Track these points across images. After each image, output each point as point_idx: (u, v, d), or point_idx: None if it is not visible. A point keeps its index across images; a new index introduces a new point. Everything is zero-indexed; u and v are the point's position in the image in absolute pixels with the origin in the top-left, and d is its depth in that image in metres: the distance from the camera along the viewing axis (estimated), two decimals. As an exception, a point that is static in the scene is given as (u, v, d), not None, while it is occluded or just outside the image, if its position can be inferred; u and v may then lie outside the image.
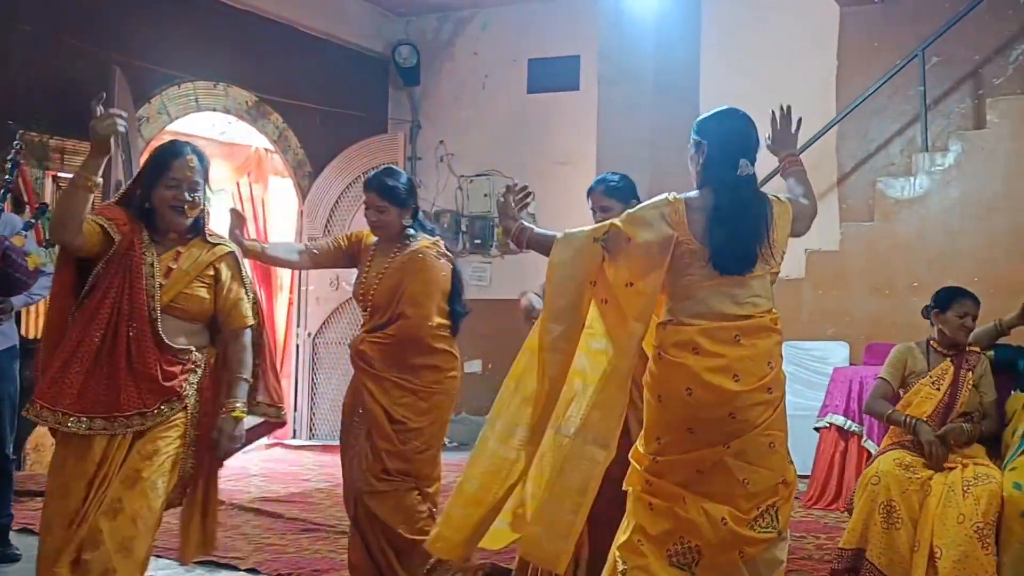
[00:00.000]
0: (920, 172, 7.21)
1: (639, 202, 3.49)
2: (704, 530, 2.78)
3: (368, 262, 3.87)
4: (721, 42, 7.91)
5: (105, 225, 2.97)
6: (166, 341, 2.98)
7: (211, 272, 3.12)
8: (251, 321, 3.19)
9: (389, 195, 3.79)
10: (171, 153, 3.06)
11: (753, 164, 2.97)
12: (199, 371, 3.08)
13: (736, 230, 2.85)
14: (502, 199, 3.06)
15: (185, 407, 3.03)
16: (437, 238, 3.89)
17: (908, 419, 3.99)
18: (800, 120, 3.29)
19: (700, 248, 2.84)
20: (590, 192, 3.84)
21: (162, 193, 3.03)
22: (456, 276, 3.87)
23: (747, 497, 2.81)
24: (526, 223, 3.04)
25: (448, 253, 3.87)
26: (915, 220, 7.20)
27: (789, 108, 3.31)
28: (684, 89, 4.68)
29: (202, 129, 8.21)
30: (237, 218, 3.71)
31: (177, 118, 7.55)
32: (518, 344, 3.49)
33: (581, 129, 8.08)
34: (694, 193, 2.94)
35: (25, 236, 4.25)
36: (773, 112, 3.35)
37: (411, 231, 3.85)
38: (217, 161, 7.53)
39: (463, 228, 9.22)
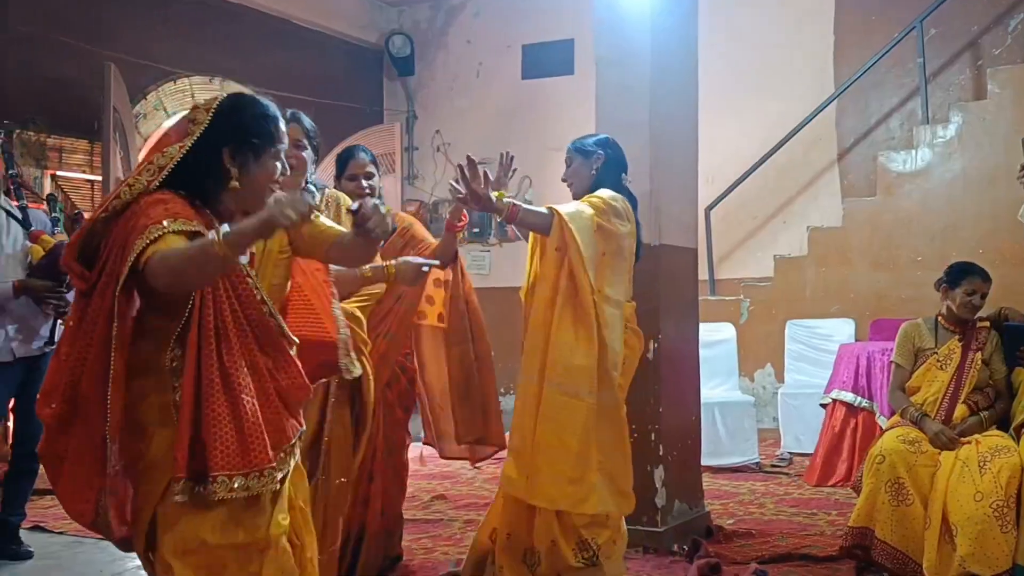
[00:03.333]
0: (921, 145, 7.19)
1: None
2: None
3: None
4: (718, 20, 7.87)
5: (197, 229, 2.15)
6: (291, 337, 2.34)
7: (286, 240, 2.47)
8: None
9: (310, 134, 3.36)
10: (272, 117, 2.31)
11: None
12: None
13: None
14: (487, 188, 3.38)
15: None
16: None
17: (914, 414, 3.95)
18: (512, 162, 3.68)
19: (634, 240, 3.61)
20: (352, 159, 4.00)
21: (269, 167, 2.28)
22: None
23: None
24: (515, 200, 3.45)
25: None
26: (917, 193, 7.18)
27: (509, 155, 3.69)
28: (682, 69, 4.64)
29: (199, 125, 8.17)
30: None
31: (174, 113, 7.53)
32: (518, 331, 3.56)
33: (577, 114, 8.02)
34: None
35: (62, 233, 4.35)
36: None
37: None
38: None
39: (461, 217, 9.19)
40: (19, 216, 4.33)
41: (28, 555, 4.35)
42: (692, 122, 4.74)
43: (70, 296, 4.31)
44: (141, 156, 2.31)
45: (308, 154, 3.37)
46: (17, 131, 6.34)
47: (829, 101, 7.62)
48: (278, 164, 2.29)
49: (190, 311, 2.13)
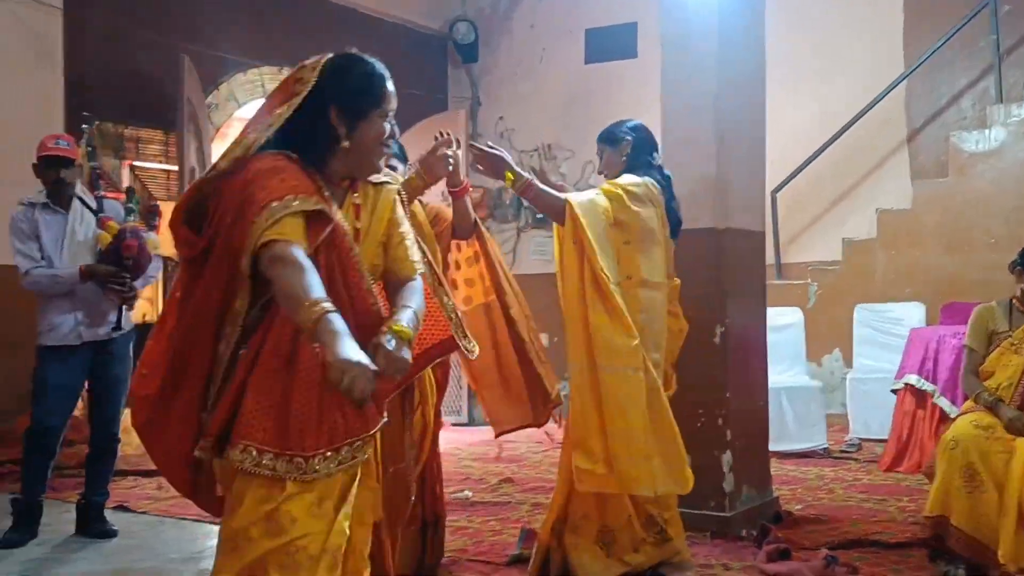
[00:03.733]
0: (995, 124, 7.03)
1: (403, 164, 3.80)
2: None
3: None
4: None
5: (317, 208, 2.05)
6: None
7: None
8: (420, 268, 2.31)
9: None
10: (379, 75, 2.24)
11: None
12: None
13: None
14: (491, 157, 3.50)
15: None
16: None
17: (988, 399, 3.87)
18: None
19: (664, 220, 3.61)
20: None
21: (377, 127, 2.20)
22: None
23: None
24: (530, 176, 3.53)
25: None
26: (991, 174, 7.03)
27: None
28: (749, 48, 4.59)
29: (268, 114, 8.34)
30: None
31: (245, 104, 7.70)
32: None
33: (640, 97, 7.96)
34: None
35: (134, 221, 4.49)
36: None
37: None
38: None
39: (524, 203, 9.21)
40: (93, 206, 4.48)
41: (113, 534, 4.50)
42: (759, 103, 4.71)
43: (138, 283, 4.45)
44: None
45: None
46: (96, 123, 6.54)
47: (898, 81, 7.49)
48: (386, 124, 2.19)
49: None
